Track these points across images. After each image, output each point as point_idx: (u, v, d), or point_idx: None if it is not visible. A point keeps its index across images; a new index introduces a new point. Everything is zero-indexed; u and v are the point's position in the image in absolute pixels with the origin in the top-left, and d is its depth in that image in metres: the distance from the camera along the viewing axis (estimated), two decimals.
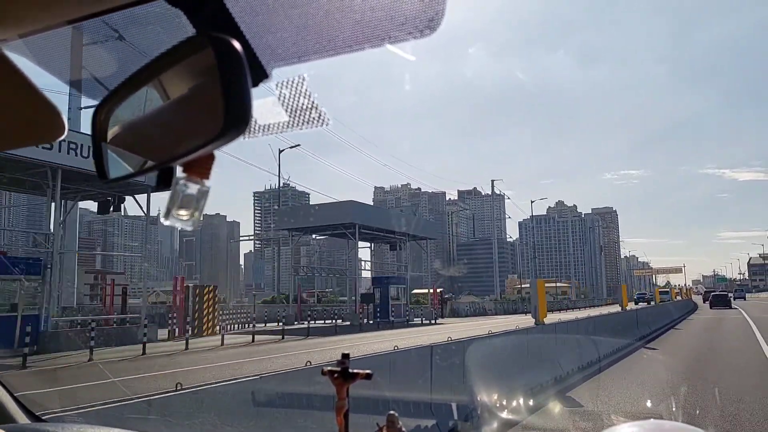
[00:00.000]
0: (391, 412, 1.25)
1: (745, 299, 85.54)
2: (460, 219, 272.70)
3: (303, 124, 0.69)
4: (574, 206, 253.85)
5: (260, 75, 0.65)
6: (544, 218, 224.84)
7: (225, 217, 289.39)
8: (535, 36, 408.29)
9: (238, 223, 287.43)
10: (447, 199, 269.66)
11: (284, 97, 0.69)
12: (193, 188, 0.64)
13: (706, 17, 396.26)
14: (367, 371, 1.27)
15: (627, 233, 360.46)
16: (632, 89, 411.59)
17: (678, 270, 68.06)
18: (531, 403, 4.81)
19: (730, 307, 44.64)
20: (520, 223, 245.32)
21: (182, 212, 0.64)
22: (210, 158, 0.63)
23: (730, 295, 58.47)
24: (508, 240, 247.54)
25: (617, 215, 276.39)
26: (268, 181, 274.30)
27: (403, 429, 1.26)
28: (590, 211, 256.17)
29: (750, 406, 7.04)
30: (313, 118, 0.69)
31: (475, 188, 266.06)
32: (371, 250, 46.59)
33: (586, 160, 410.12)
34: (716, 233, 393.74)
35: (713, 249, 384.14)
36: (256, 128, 0.69)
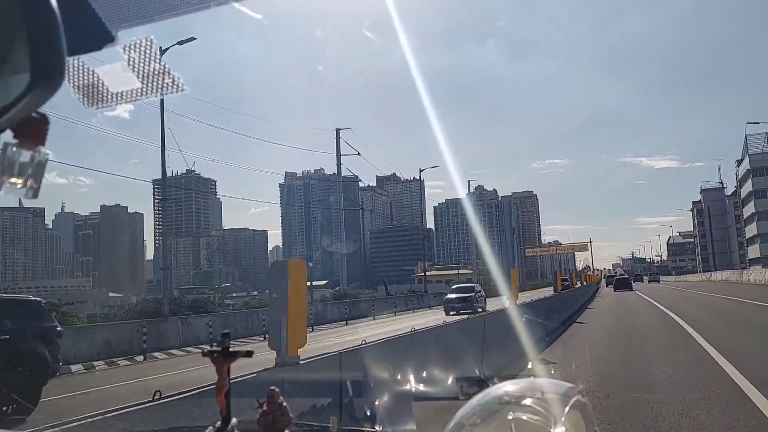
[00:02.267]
0: (272, 387, 1.41)
1: (658, 282, 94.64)
2: (375, 205, 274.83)
3: (157, 90, 0.67)
4: (494, 191, 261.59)
5: (104, 38, 0.61)
6: (453, 202, 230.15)
7: (126, 208, 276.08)
8: (464, 26, 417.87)
9: (141, 214, 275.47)
10: (367, 185, 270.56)
11: (134, 62, 0.67)
12: (26, 155, 0.63)
13: (624, 11, 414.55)
14: (248, 349, 1.43)
15: (552, 221, 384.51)
16: (557, 81, 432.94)
17: (584, 247, 68.58)
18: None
19: (631, 290, 53.66)
20: (435, 208, 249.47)
21: (15, 180, 0.61)
22: (43, 122, 0.61)
23: (632, 278, 75.30)
24: (428, 228, 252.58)
25: (537, 200, 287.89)
26: (170, 168, 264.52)
27: (284, 404, 1.40)
28: (511, 196, 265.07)
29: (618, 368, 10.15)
30: (167, 85, 0.67)
31: (394, 174, 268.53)
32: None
33: (514, 151, 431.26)
34: (634, 219, 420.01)
35: (631, 234, 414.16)
36: (109, 96, 0.68)
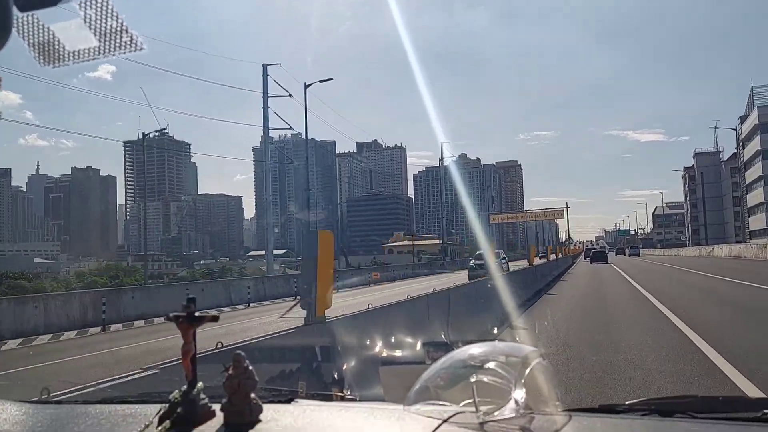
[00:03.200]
0: (238, 352, 1.47)
1: (639, 255, 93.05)
2: (353, 173, 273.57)
3: (114, 49, 0.67)
4: (478, 159, 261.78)
5: None
6: (437, 170, 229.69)
7: (98, 171, 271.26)
8: None
9: (114, 177, 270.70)
10: (346, 151, 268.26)
11: (90, 19, 0.66)
12: None
13: None
14: (214, 314, 1.50)
15: (537, 193, 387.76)
16: (547, 49, 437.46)
17: (559, 214, 60.67)
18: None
19: (607, 263, 55.48)
20: (415, 176, 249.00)
21: None
22: None
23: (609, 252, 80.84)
24: (409, 196, 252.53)
25: (521, 169, 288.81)
26: (144, 129, 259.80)
27: (250, 367, 1.43)
28: (494, 165, 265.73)
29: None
30: (125, 43, 0.67)
31: (375, 140, 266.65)
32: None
33: (501, 121, 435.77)
34: (619, 191, 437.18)
35: (616, 207, 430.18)
36: (66, 55, 0.67)
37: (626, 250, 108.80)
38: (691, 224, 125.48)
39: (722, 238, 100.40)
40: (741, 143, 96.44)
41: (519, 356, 1.43)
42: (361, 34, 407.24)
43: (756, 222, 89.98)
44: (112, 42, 0.71)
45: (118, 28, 0.66)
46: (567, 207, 69.38)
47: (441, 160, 66.74)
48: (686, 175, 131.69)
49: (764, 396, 5.39)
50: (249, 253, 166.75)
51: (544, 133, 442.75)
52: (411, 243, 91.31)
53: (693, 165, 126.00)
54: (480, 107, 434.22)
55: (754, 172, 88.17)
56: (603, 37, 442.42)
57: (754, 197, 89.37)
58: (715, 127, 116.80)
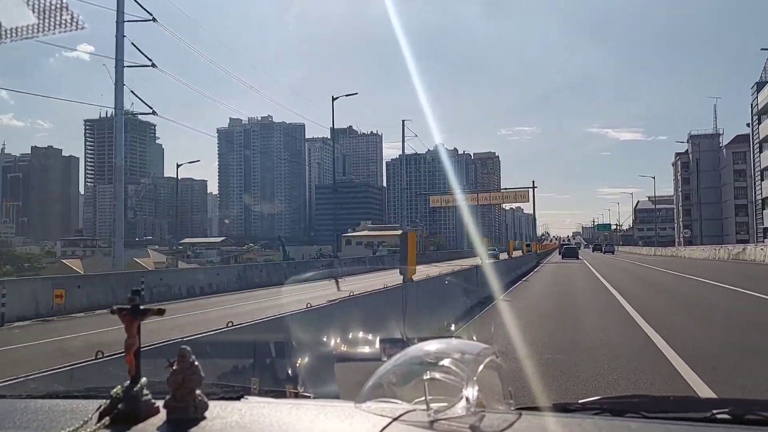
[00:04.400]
0: (184, 346, 1.47)
1: (613, 253, 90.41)
2: (325, 158, 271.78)
3: (54, 27, 0.68)
4: (455, 149, 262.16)
5: None
6: (414, 158, 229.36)
7: (60, 151, 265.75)
8: None
9: (77, 158, 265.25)
10: (322, 137, 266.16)
11: None
12: None
13: None
14: (160, 307, 1.50)
15: (516, 186, 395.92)
16: (529, 45, 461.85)
17: (523, 196, 53.04)
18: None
19: (577, 258, 57.71)
20: (388, 164, 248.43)
21: None
22: None
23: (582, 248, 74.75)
24: (383, 185, 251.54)
25: (499, 161, 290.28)
26: (104, 109, 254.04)
27: (196, 363, 1.44)
28: (469, 155, 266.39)
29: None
30: (65, 21, 0.68)
31: (350, 126, 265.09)
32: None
33: (483, 115, 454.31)
34: (597, 189, 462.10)
35: (593, 204, 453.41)
36: (3, 33, 0.68)
37: (603, 247, 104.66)
38: (683, 219, 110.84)
39: (719, 236, 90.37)
40: (757, 117, 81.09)
41: (473, 353, 1.47)
42: (347, 20, 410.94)
43: None
44: (51, 20, 0.68)
45: (58, 6, 0.64)
46: (534, 187, 58.42)
47: (402, 140, 64.69)
48: (678, 162, 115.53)
49: (715, 397, 5.56)
50: (183, 240, 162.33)
51: (525, 128, 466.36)
52: (371, 234, 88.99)
53: (687, 150, 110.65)
54: (462, 100, 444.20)
55: None
56: (586, 35, 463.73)
57: None
58: (714, 104, 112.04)
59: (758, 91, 79.82)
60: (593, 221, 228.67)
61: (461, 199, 59.32)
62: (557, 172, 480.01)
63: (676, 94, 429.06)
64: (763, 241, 67.39)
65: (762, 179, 78.77)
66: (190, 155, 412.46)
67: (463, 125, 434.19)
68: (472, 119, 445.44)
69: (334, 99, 40.21)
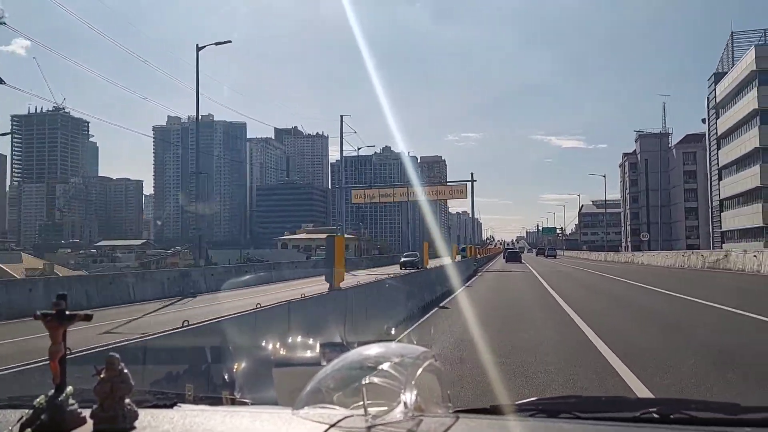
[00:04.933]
0: (112, 353, 1.44)
1: (555, 257, 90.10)
2: (267, 159, 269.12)
3: None
4: (404, 152, 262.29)
5: None
6: (360, 159, 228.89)
7: None
8: None
9: (4, 156, 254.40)
10: (265, 137, 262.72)
11: None
12: None
13: None
14: (87, 312, 1.48)
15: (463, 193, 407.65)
16: (479, 51, 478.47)
17: (462, 192, 48.20)
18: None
19: (521, 262, 57.84)
20: (332, 165, 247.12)
21: None
22: None
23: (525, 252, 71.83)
24: (327, 187, 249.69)
25: (446, 165, 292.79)
26: (34, 103, 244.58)
27: (125, 370, 1.41)
28: (419, 160, 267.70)
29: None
30: None
31: (295, 127, 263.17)
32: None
33: (432, 121, 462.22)
34: (540, 194, 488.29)
35: (537, 209, 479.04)
36: None
37: (546, 251, 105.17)
38: (630, 223, 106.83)
39: (668, 240, 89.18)
40: (714, 111, 76.35)
41: (411, 357, 1.48)
42: (296, 23, 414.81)
43: (735, 219, 69.09)
44: None
45: None
46: (472, 180, 53.04)
47: (341, 137, 62.41)
48: (626, 163, 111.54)
49: (646, 397, 5.63)
50: (98, 243, 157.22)
51: (472, 134, 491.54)
52: (308, 237, 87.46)
53: (635, 150, 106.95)
54: (411, 106, 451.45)
55: (739, 146, 66.89)
56: (531, 44, 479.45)
57: (736, 183, 67.99)
58: (664, 102, 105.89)
59: (716, 83, 75.77)
60: (537, 226, 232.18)
61: (390, 195, 56.57)
62: (502, 177, 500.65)
63: (618, 105, 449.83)
64: (721, 247, 65.92)
65: (720, 179, 73.65)
66: (131, 155, 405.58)
67: (412, 130, 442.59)
68: (420, 124, 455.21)
69: (198, 49, 33.03)
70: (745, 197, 66.03)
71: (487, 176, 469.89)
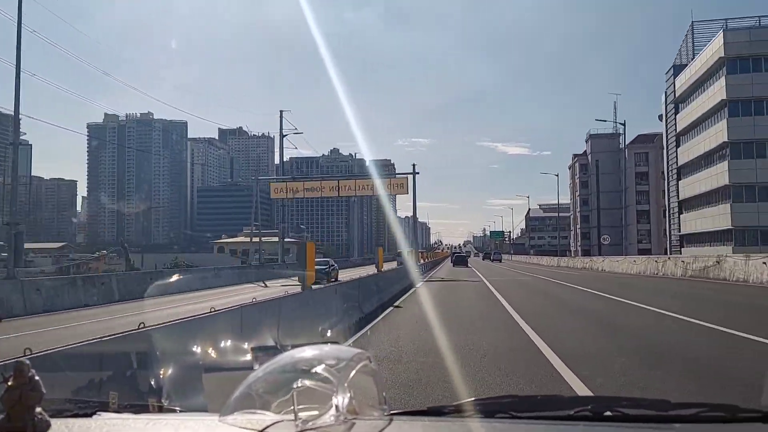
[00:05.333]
0: (21, 359, 1.44)
1: (500, 261, 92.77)
2: (210, 159, 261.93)
3: None
4: (350, 154, 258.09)
5: None
6: (306, 161, 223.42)
7: None
8: None
9: None
10: (208, 137, 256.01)
11: None
12: None
13: None
14: None
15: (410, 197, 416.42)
16: (427, 57, 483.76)
17: (402, 187, 40.63)
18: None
19: (467, 266, 58.84)
20: (276, 166, 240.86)
21: None
22: None
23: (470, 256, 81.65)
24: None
25: (395, 168, 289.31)
26: None
27: (36, 378, 1.32)
28: (366, 163, 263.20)
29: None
30: None
31: (240, 128, 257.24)
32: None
33: (380, 125, 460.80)
34: (486, 200, 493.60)
35: (483, 214, 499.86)
36: None
37: (491, 255, 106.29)
38: (581, 226, 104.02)
39: (619, 245, 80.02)
40: (673, 107, 72.20)
41: (346, 359, 1.46)
42: (243, 23, 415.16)
43: (698, 222, 64.18)
44: None
45: None
46: (414, 173, 46.10)
47: (281, 134, 57.13)
48: (576, 164, 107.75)
49: (580, 395, 5.74)
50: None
51: (422, 140, 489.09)
52: (247, 240, 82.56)
53: (585, 151, 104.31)
54: (361, 110, 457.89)
55: (703, 142, 62.54)
56: (478, 51, 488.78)
57: (699, 182, 63.41)
58: (614, 101, 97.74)
59: (675, 75, 71.21)
60: (484, 230, 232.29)
61: (317, 189, 48.87)
62: (450, 182, 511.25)
63: (562, 113, 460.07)
64: (680, 252, 63.08)
65: (679, 178, 69.94)
66: (69, 155, 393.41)
67: (362, 134, 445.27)
68: (371, 129, 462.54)
69: None
70: (709, 197, 61.75)
71: (437, 181, 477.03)
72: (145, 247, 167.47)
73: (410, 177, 45.85)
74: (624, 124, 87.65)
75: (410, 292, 24.16)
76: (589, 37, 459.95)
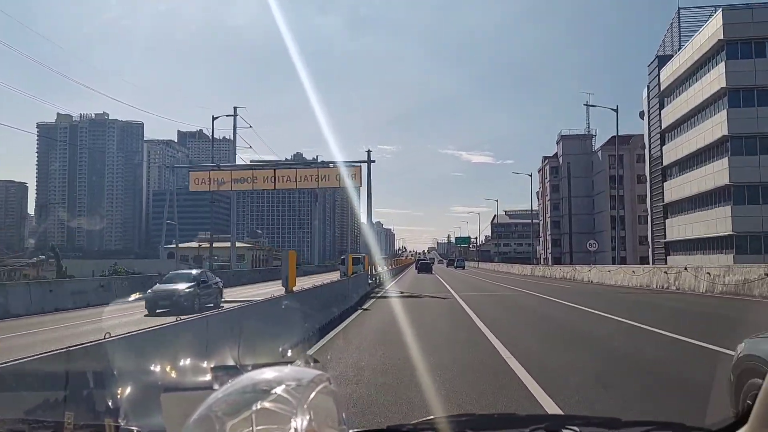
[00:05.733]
0: None
1: (464, 268, 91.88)
2: (168, 162, 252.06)
3: None
4: (315, 158, 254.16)
5: None
6: (268, 165, 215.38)
7: None
8: None
9: None
10: (166, 140, 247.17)
11: None
12: None
13: (461, 3, 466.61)
14: None
15: (379, 204, 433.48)
16: (393, 66, 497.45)
17: (356, 177, 41.68)
18: None
19: (431, 273, 60.27)
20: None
21: None
22: None
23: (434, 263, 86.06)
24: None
25: (360, 171, 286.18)
26: None
27: None
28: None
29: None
30: None
31: (200, 130, 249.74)
32: None
33: (345, 132, 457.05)
34: (450, 207, 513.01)
35: (447, 221, 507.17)
36: None
37: (455, 262, 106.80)
38: (551, 233, 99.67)
39: (604, 251, 76.87)
40: (657, 101, 66.16)
41: (306, 380, 1.46)
42: (206, 26, 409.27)
43: (689, 227, 57.90)
44: None
45: None
46: (369, 161, 40.35)
47: (234, 130, 50.78)
48: (546, 167, 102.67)
49: (535, 414, 5.48)
50: None
51: (387, 147, 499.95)
52: (200, 246, 76.01)
53: (556, 153, 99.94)
54: (327, 115, 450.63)
55: (696, 137, 56.16)
56: (442, 60, 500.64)
57: (689, 184, 57.57)
58: (588, 99, 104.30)
59: (659, 67, 65.02)
60: (448, 237, 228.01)
61: (249, 180, 41.60)
62: (415, 190, 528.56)
63: (525, 122, 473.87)
64: (665, 261, 57.33)
65: (664, 179, 64.59)
66: (22, 157, 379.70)
67: (328, 140, 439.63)
68: (335, 135, 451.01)
69: None
70: (703, 200, 55.59)
71: (402, 189, 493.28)
72: (98, 253, 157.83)
73: (364, 165, 38.58)
74: (593, 133, 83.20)
75: (335, 330, 14.81)
76: (556, 42, 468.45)
